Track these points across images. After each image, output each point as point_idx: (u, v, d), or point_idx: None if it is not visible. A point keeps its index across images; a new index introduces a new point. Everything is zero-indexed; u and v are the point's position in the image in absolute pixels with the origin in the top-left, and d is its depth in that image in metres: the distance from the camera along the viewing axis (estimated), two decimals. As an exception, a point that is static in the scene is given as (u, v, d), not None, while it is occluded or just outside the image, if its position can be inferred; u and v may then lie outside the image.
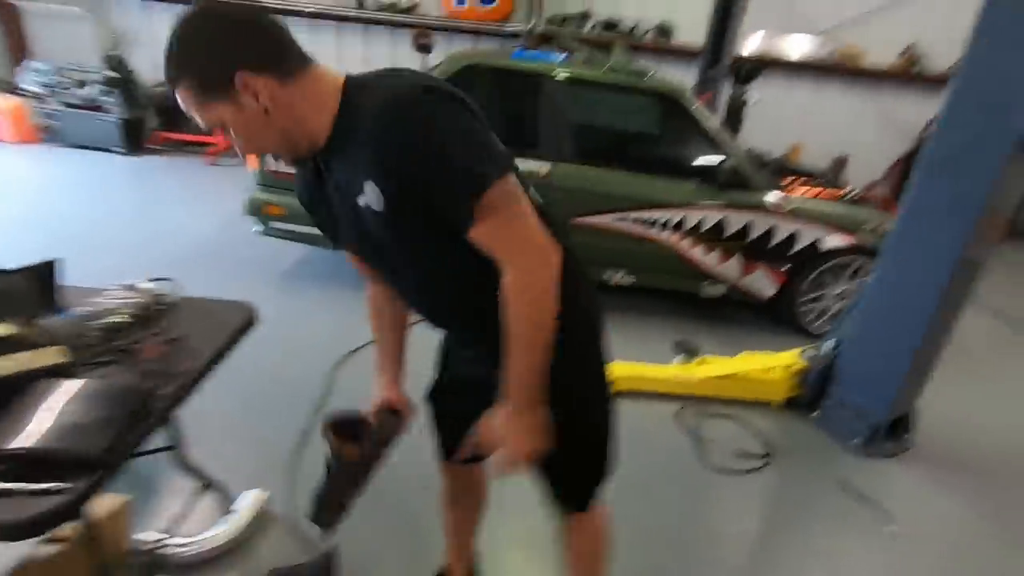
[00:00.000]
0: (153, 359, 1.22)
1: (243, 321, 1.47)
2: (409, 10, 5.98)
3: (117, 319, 1.33)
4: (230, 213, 4.30)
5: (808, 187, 3.50)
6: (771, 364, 2.79)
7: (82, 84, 5.69)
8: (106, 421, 1.01)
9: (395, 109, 0.83)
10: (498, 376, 0.97)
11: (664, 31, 6.12)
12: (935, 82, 5.87)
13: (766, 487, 2.30)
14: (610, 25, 6.05)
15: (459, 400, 1.25)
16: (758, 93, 5.65)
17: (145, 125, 5.90)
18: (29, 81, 5.74)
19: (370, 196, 0.89)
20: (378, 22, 6.07)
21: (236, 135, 0.89)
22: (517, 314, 0.91)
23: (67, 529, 1.52)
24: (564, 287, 0.92)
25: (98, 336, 1.25)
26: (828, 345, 2.69)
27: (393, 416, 1.20)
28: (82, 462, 0.95)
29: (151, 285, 1.48)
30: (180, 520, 1.74)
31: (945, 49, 5.87)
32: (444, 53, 5.80)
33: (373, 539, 1.82)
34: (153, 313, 1.40)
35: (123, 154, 5.72)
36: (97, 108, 5.64)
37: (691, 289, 3.48)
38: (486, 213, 0.86)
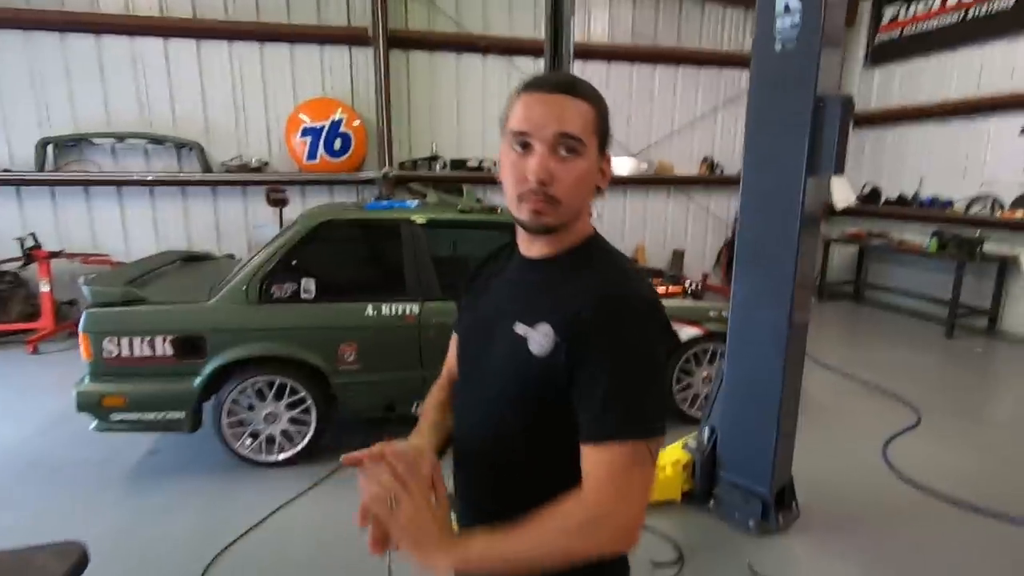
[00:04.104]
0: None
1: (70, 567, 1.23)
2: (259, 169, 6.04)
3: None
4: (56, 409, 3.75)
5: (656, 287, 3.90)
6: (662, 463, 2.89)
7: None
8: None
9: (625, 307, 0.88)
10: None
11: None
12: (733, 182, 7.10)
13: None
14: (457, 163, 6.56)
15: None
16: (599, 208, 6.39)
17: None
18: None
19: (538, 335, 0.90)
20: (227, 183, 6.04)
21: (571, 178, 0.91)
22: (562, 529, 0.85)
23: None
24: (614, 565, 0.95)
25: None
26: (704, 434, 2.86)
27: None
28: None
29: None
30: None
31: (734, 157, 7.52)
32: (300, 204, 5.93)
33: None
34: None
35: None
36: None
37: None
38: (620, 453, 0.85)
